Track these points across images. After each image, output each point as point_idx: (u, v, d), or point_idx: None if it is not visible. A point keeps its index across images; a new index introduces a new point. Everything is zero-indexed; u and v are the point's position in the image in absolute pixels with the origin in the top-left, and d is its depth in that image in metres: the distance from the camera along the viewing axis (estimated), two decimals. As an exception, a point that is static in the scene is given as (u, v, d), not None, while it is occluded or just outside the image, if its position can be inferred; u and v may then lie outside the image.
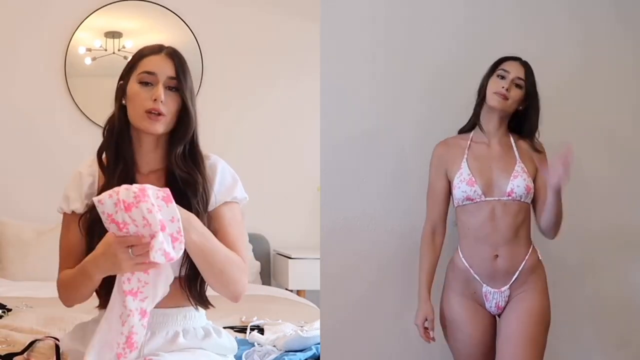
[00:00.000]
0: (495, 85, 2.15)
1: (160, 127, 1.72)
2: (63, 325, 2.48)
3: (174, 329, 1.75)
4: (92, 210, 1.71)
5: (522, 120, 2.20)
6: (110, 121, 1.79)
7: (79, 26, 4.34)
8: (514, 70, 2.15)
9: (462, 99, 2.25)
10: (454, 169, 2.17)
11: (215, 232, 1.72)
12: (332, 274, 2.41)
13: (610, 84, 2.57)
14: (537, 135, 2.21)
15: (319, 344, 2.32)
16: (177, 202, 1.66)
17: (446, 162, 2.20)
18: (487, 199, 2.12)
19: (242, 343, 2.36)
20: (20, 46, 4.26)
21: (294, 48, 4.49)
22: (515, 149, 2.18)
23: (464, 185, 2.13)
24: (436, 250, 2.21)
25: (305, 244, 4.30)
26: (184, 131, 1.75)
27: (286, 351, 2.30)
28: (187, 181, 1.74)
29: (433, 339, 2.18)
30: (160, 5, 4.40)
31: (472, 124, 2.23)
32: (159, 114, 1.70)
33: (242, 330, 2.61)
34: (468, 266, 2.15)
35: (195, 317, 1.79)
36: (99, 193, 1.73)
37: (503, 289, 2.14)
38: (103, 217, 1.55)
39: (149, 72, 1.73)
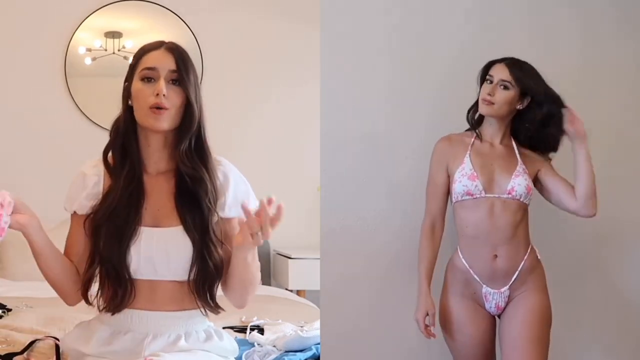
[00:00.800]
0: (482, 92, 2.16)
1: (165, 122, 1.70)
2: (63, 325, 2.48)
3: (176, 332, 1.75)
4: (97, 212, 1.72)
5: (527, 119, 2.17)
6: (117, 122, 1.78)
7: (79, 26, 4.34)
8: (498, 73, 2.14)
9: (463, 101, 2.25)
10: (456, 164, 2.17)
11: (227, 240, 1.75)
12: (332, 274, 2.41)
13: (614, 82, 2.57)
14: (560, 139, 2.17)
15: (319, 344, 2.32)
16: (187, 203, 1.71)
17: (448, 157, 2.19)
18: (487, 195, 2.12)
19: (242, 343, 2.36)
20: (21, 46, 4.26)
21: (294, 48, 4.49)
22: (517, 151, 2.19)
23: (465, 179, 2.13)
24: (435, 244, 2.20)
25: (305, 244, 4.30)
26: (188, 124, 1.74)
27: (286, 351, 2.30)
28: (194, 178, 1.73)
29: (433, 335, 2.17)
30: (160, 5, 4.40)
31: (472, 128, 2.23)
32: (163, 108, 1.69)
33: (242, 330, 2.61)
34: (468, 267, 2.14)
35: (197, 320, 1.79)
36: (106, 195, 1.73)
37: (503, 289, 2.14)
38: None
39: (149, 68, 1.72)
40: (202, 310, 1.76)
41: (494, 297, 2.14)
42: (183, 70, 1.74)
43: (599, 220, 2.42)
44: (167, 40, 1.81)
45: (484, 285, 2.14)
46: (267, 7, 4.51)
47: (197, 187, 1.73)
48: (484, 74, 2.18)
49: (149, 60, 1.74)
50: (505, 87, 2.13)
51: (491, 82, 2.14)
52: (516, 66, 2.14)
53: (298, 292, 4.07)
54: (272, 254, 4.47)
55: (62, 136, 4.24)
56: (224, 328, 2.03)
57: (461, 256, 2.16)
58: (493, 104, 2.13)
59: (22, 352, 2.16)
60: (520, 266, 2.13)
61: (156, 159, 1.77)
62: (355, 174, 2.43)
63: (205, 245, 1.71)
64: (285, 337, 2.36)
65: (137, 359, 1.67)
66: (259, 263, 1.75)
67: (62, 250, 1.80)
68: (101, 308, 1.74)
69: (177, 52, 1.76)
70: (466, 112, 2.24)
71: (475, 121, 2.23)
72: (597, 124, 2.54)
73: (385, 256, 2.43)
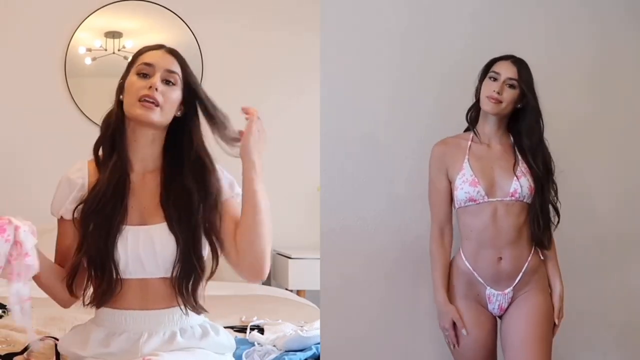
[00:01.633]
0: (487, 89, 2.11)
1: (154, 115, 1.71)
2: (63, 325, 2.48)
3: (170, 329, 1.74)
4: (85, 203, 1.72)
5: (521, 120, 2.16)
6: (108, 116, 1.79)
7: (79, 26, 4.34)
8: (505, 71, 2.11)
9: (463, 102, 2.24)
10: (455, 170, 2.14)
11: (223, 219, 1.76)
12: (332, 274, 2.41)
13: (626, 81, 2.57)
14: (543, 136, 2.16)
15: (319, 344, 2.32)
16: (173, 201, 1.73)
17: (446, 162, 2.17)
18: (489, 199, 2.10)
19: (242, 343, 2.35)
20: (21, 46, 4.26)
21: (294, 48, 4.49)
22: (516, 148, 2.16)
23: (466, 186, 2.10)
24: (446, 250, 2.19)
25: (305, 244, 4.30)
26: (190, 126, 1.78)
27: (286, 351, 2.30)
28: (185, 184, 1.74)
29: (458, 343, 2.13)
30: (160, 5, 4.40)
31: (469, 128, 2.21)
32: (154, 103, 1.70)
33: (242, 330, 2.61)
34: (472, 269, 2.12)
35: (191, 315, 1.78)
36: (92, 188, 1.73)
37: (507, 290, 2.12)
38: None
39: (146, 64, 1.74)
40: (182, 308, 1.74)
41: (497, 299, 2.13)
42: (181, 71, 1.76)
43: (599, 220, 2.44)
44: (166, 42, 1.84)
45: (488, 287, 2.12)
46: (267, 7, 4.51)
47: (187, 188, 1.74)
48: (487, 71, 2.15)
49: (147, 57, 1.76)
50: (512, 86, 2.10)
51: (495, 79, 2.11)
52: (522, 65, 2.12)
53: (298, 292, 4.07)
54: (272, 254, 4.46)
55: (62, 136, 4.24)
56: (224, 328, 2.03)
57: (464, 258, 2.14)
58: (501, 102, 2.10)
59: (22, 352, 2.16)
60: (525, 267, 2.11)
61: (142, 156, 1.77)
62: (355, 174, 2.43)
63: (190, 243, 1.71)
64: (285, 337, 2.36)
65: (134, 358, 1.66)
66: (268, 203, 1.82)
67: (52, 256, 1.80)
68: (86, 302, 1.75)
69: (179, 57, 1.78)
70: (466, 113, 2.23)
71: (472, 119, 2.20)
72: (608, 122, 2.56)
73: (385, 256, 2.43)
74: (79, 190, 1.76)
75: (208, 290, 1.79)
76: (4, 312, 2.76)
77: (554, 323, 2.14)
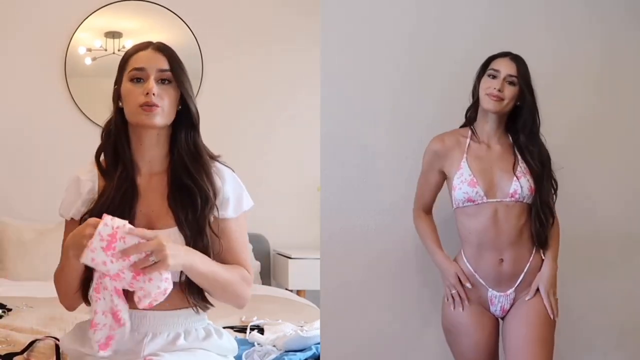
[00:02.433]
0: (487, 87, 2.10)
1: (157, 118, 1.71)
2: (63, 325, 2.48)
3: (174, 330, 1.75)
4: (92, 212, 1.71)
5: (518, 117, 2.14)
6: (108, 124, 1.79)
7: (79, 26, 4.34)
8: (505, 68, 2.09)
9: (463, 102, 2.24)
10: (453, 169, 2.12)
11: (222, 240, 1.74)
12: (332, 274, 2.41)
13: (629, 82, 2.57)
14: (539, 132, 2.15)
15: (319, 343, 2.32)
16: (180, 202, 1.70)
17: (442, 161, 2.15)
18: (488, 200, 2.08)
19: (242, 343, 2.36)
20: (21, 46, 4.26)
21: (294, 48, 4.49)
22: (515, 148, 2.15)
23: (465, 186, 2.08)
24: (431, 221, 2.23)
25: (305, 244, 4.30)
26: (189, 123, 1.76)
27: (286, 351, 2.30)
28: (189, 176, 1.74)
29: (468, 298, 2.12)
30: (160, 5, 4.40)
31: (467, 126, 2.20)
32: (154, 106, 1.69)
33: (242, 330, 2.61)
34: (473, 271, 2.11)
35: (196, 318, 1.79)
36: (99, 196, 1.73)
37: (509, 292, 2.11)
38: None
39: (138, 69, 1.73)
40: (194, 308, 1.76)
41: (499, 300, 2.12)
42: (177, 68, 1.75)
43: (600, 220, 2.43)
44: (166, 42, 1.81)
45: (490, 289, 2.11)
46: (267, 6, 4.50)
47: (191, 185, 1.73)
48: (484, 68, 2.14)
49: (137, 60, 1.75)
50: (512, 83, 2.09)
51: (495, 77, 2.09)
52: (520, 61, 2.11)
53: (298, 292, 4.07)
54: (272, 254, 4.47)
55: (62, 136, 4.24)
56: (224, 328, 2.03)
57: (465, 260, 2.12)
58: (503, 99, 2.08)
59: (22, 352, 2.16)
60: (526, 268, 2.10)
61: (149, 158, 1.77)
62: (356, 174, 2.43)
63: (200, 245, 1.71)
64: (285, 337, 2.36)
65: (136, 358, 1.67)
66: (217, 268, 1.71)
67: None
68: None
69: (166, 51, 1.77)
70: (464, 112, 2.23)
71: (471, 119, 2.19)
72: (611, 122, 2.56)
73: (385, 256, 2.43)
74: (89, 192, 1.76)
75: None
76: (4, 312, 2.76)
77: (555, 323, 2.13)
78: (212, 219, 1.75)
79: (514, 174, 2.09)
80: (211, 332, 1.81)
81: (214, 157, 1.81)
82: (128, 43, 4.35)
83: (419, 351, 2.43)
